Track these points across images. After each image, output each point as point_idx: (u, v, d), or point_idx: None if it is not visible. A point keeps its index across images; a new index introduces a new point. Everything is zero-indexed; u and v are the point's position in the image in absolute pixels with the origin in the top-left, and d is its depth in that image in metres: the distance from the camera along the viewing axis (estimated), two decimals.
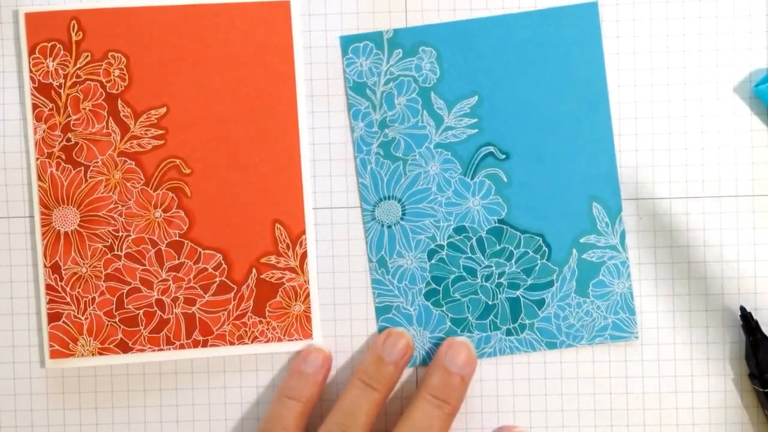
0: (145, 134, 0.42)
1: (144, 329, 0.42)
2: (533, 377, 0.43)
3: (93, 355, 0.42)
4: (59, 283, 0.42)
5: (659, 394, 0.42)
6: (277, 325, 0.42)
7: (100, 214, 0.42)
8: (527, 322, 0.42)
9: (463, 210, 0.42)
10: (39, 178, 0.42)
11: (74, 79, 0.42)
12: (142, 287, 0.42)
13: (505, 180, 0.42)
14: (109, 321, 0.42)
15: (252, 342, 0.42)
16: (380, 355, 0.41)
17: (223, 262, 0.42)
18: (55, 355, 0.42)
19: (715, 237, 0.42)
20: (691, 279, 0.42)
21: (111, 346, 0.42)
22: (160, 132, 0.42)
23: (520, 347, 0.42)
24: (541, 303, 0.42)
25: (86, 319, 0.42)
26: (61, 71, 0.42)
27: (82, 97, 0.42)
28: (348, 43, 0.42)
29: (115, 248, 0.42)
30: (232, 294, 0.42)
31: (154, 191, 0.42)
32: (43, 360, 0.43)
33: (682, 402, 0.42)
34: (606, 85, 0.42)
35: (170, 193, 0.42)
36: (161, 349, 0.42)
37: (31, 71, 0.42)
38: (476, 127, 0.42)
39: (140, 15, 0.42)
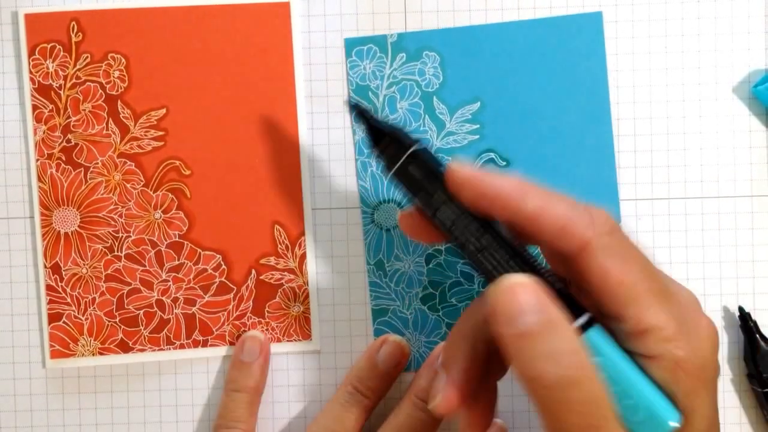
0: (145, 135, 0.42)
1: (144, 329, 0.42)
2: None
3: (93, 355, 0.42)
4: (59, 284, 0.42)
5: None
6: (276, 326, 0.42)
7: (100, 215, 0.42)
8: None
9: None
10: (39, 179, 0.42)
11: (74, 81, 0.42)
12: (142, 288, 0.42)
13: None
14: (109, 321, 0.42)
15: None
16: (374, 362, 0.41)
17: (222, 262, 0.42)
18: (55, 355, 0.42)
19: (713, 237, 0.42)
20: (690, 279, 0.43)
21: (111, 346, 0.42)
22: (160, 133, 0.42)
23: None
24: None
25: (86, 319, 0.42)
26: (60, 72, 0.42)
27: (82, 98, 0.42)
28: (352, 45, 0.42)
29: (116, 249, 0.42)
30: (232, 295, 0.42)
31: (153, 192, 0.42)
32: (44, 360, 0.43)
33: None
34: (608, 95, 0.42)
35: (170, 194, 0.42)
36: (161, 349, 0.42)
37: (30, 72, 0.42)
38: (477, 133, 0.42)
39: (140, 16, 0.42)
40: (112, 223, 0.42)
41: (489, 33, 0.42)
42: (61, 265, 0.42)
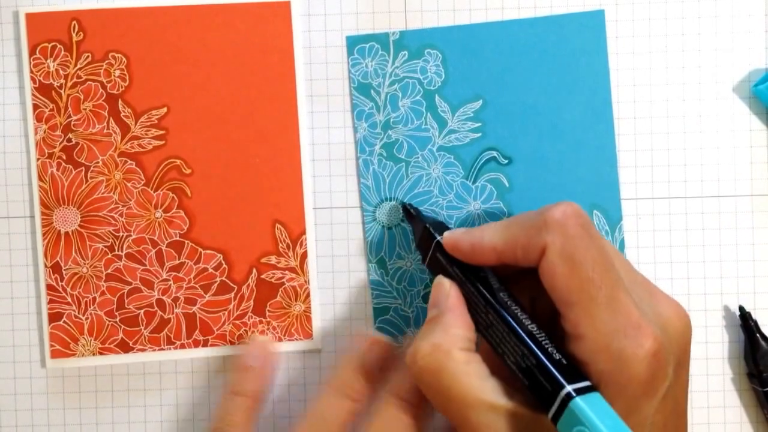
0: (146, 134, 0.42)
1: (144, 329, 0.42)
2: None
3: (93, 354, 0.42)
4: (60, 283, 0.42)
5: None
6: (278, 325, 0.42)
7: (100, 214, 0.42)
8: None
9: (464, 213, 0.42)
10: (39, 179, 0.42)
11: (75, 80, 0.42)
12: (142, 287, 0.42)
13: (507, 185, 0.42)
14: (109, 321, 0.42)
15: None
16: (362, 364, 0.38)
17: (223, 262, 0.42)
18: (55, 354, 0.42)
19: (713, 237, 0.43)
20: (690, 279, 0.43)
21: (111, 345, 0.42)
22: (161, 132, 0.42)
23: None
24: None
25: (87, 318, 0.42)
26: (61, 71, 0.42)
27: (82, 97, 0.42)
28: (354, 43, 0.42)
29: (116, 248, 0.42)
30: (233, 294, 0.42)
31: (154, 191, 0.42)
32: (44, 360, 0.43)
33: None
34: (610, 94, 0.42)
35: (171, 193, 0.42)
36: (162, 349, 0.42)
37: (31, 71, 0.42)
38: (479, 131, 0.42)
39: (140, 15, 0.42)
40: (113, 222, 0.42)
41: (492, 31, 0.42)
42: (62, 265, 0.42)
